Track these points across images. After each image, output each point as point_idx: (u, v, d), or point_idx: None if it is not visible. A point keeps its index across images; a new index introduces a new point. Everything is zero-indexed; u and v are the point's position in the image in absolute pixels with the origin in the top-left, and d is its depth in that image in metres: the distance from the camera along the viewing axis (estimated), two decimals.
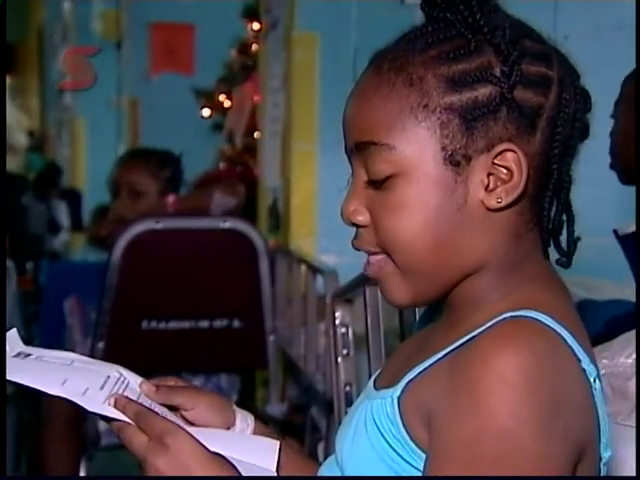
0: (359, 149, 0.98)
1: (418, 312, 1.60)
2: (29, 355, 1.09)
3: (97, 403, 1.01)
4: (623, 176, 1.82)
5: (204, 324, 2.84)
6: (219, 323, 2.85)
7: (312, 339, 2.83)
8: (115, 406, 1.01)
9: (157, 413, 1.04)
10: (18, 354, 1.08)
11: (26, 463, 3.33)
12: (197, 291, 2.83)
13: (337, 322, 2.11)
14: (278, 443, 1.09)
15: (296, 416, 2.95)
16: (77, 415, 2.78)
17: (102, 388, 1.03)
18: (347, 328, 2.11)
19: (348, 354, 2.11)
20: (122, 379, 1.07)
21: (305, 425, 2.82)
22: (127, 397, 1.02)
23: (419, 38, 0.95)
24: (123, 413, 1.00)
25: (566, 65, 0.97)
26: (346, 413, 2.04)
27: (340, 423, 2.03)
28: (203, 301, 2.84)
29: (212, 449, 1.04)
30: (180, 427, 1.00)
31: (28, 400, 3.23)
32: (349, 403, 2.09)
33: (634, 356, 1.29)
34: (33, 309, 4.25)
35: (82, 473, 2.88)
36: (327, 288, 2.61)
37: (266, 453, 1.07)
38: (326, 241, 3.61)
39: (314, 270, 2.84)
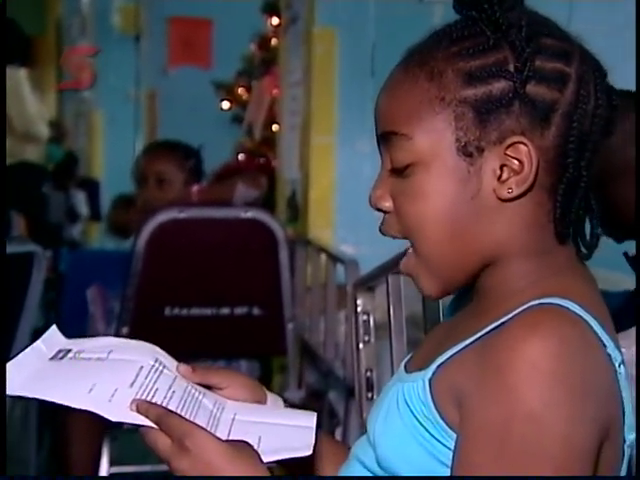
0: (384, 138, 1.02)
1: (442, 302, 1.66)
2: (67, 353, 1.10)
3: (121, 411, 1.01)
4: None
5: (225, 311, 2.89)
6: (239, 310, 2.89)
7: (332, 327, 2.88)
8: (137, 410, 1.02)
9: (194, 395, 1.08)
10: (57, 353, 1.10)
11: (48, 445, 3.37)
12: (218, 279, 2.88)
13: (359, 309, 2.15)
14: (315, 414, 1.12)
15: (313, 402, 3.00)
16: None
17: (132, 385, 1.04)
18: (368, 315, 2.15)
19: (369, 341, 2.16)
20: (156, 366, 1.08)
21: (322, 411, 2.88)
22: (148, 401, 1.03)
23: (446, 34, 0.99)
24: (146, 417, 1.01)
25: (589, 63, 0.99)
26: (367, 398, 2.12)
27: (361, 406, 2.11)
28: (224, 289, 2.89)
29: (255, 418, 1.09)
30: (199, 427, 1.01)
31: None
32: (369, 387, 2.14)
33: None
34: (52, 296, 4.28)
35: (105, 455, 2.94)
36: (348, 277, 2.66)
37: (305, 419, 1.11)
38: (344, 232, 3.66)
39: (334, 259, 2.89)
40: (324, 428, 2.77)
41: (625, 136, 1.72)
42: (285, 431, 1.09)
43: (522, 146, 0.96)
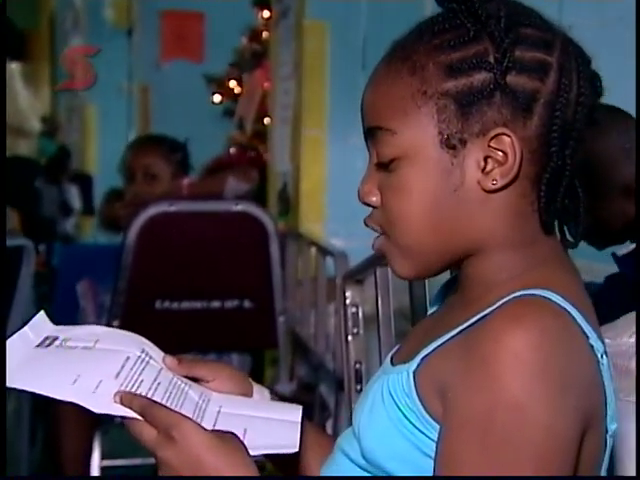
0: (370, 133, 1.03)
1: (429, 294, 1.67)
2: (54, 340, 1.10)
3: (105, 402, 1.01)
4: None
5: (216, 304, 2.89)
6: (230, 304, 2.90)
7: (322, 320, 2.89)
8: (122, 402, 1.02)
9: (180, 386, 1.08)
10: (44, 340, 1.10)
11: (42, 439, 3.37)
12: (209, 272, 2.88)
13: (347, 302, 2.15)
14: (301, 407, 1.14)
15: (304, 395, 3.00)
16: None
17: (117, 376, 1.04)
18: (357, 308, 2.15)
19: (358, 333, 2.16)
20: (142, 357, 1.08)
21: (313, 403, 2.89)
22: (132, 393, 1.03)
23: (428, 28, 0.99)
24: (130, 408, 1.01)
25: (572, 51, 0.99)
26: (356, 390, 2.13)
27: (350, 398, 2.11)
28: (215, 282, 2.89)
29: (240, 411, 1.09)
30: (186, 417, 1.01)
31: None
32: (358, 380, 2.14)
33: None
34: (45, 290, 4.29)
35: (96, 449, 2.95)
36: (337, 269, 2.68)
37: (291, 413, 1.12)
38: (335, 225, 3.66)
39: (324, 252, 2.90)
40: (315, 421, 2.78)
41: (612, 154, 1.72)
42: (270, 426, 1.09)
43: (505, 137, 0.96)
